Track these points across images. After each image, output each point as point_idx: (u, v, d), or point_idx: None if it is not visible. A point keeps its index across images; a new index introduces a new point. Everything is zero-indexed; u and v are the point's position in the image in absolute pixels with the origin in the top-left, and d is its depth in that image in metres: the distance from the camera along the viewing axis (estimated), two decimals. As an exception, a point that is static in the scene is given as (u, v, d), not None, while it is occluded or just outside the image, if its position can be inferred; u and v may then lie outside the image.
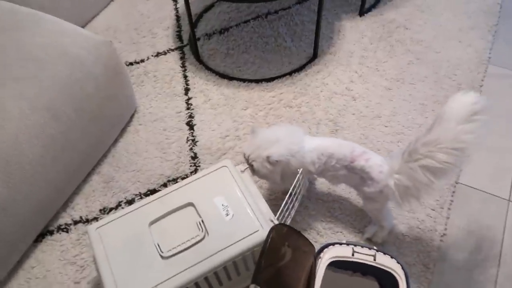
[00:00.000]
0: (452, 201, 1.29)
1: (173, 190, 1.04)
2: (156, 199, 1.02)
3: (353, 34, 1.80)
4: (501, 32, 1.78)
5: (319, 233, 1.24)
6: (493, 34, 1.76)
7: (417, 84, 1.60)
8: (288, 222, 1.10)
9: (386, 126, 1.48)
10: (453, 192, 1.31)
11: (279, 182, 1.13)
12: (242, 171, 1.09)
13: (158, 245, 0.94)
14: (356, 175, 1.08)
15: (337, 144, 1.10)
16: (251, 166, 1.10)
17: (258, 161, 1.07)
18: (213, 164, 1.11)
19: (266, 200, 1.28)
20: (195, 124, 1.52)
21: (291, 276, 0.93)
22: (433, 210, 1.27)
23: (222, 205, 0.99)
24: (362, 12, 1.86)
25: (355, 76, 1.64)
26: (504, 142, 1.44)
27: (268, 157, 1.04)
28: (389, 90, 1.59)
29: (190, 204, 1.00)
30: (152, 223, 0.98)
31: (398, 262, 0.95)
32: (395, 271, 0.93)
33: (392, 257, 0.96)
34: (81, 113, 1.26)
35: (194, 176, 1.06)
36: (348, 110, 1.54)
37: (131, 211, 1.01)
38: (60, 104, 1.19)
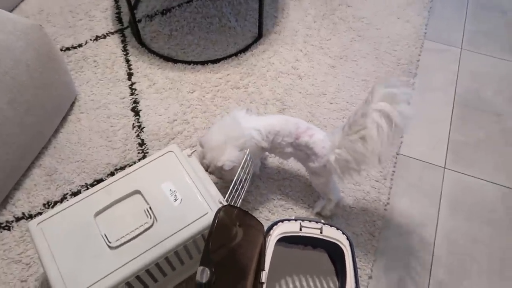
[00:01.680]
0: (394, 171, 1.36)
1: (118, 179, 1.01)
2: (101, 189, 0.99)
3: (297, 12, 1.81)
4: (435, 8, 1.86)
5: (271, 211, 1.26)
6: (429, 10, 1.84)
7: (359, 60, 1.65)
8: (239, 202, 1.11)
9: (331, 103, 1.52)
10: (395, 163, 1.38)
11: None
12: (189, 155, 1.08)
13: (105, 236, 0.92)
14: (302, 152, 1.11)
15: (283, 121, 1.12)
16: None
17: (216, 172, 1.10)
18: (159, 150, 1.09)
19: (216, 183, 1.28)
20: (140, 110, 1.48)
21: (244, 255, 0.94)
22: (377, 181, 1.33)
23: (170, 190, 0.98)
24: (305, -10, 1.87)
25: (300, 54, 1.66)
26: (440, 113, 1.52)
27: (221, 167, 1.06)
28: (333, 67, 1.63)
29: (137, 192, 0.98)
30: (97, 213, 0.95)
31: (343, 233, 1.00)
32: (340, 242, 0.98)
33: (338, 229, 1.00)
34: (15, 104, 1.18)
35: (140, 163, 1.03)
36: (294, 89, 1.56)
37: (74, 203, 0.97)
38: (-11, 95, 1.11)
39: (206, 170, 1.11)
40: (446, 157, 1.41)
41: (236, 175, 1.06)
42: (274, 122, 1.11)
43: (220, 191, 1.06)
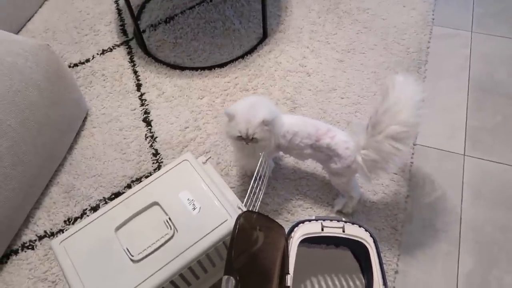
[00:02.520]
0: (412, 163, 1.33)
1: (136, 192, 1.01)
2: (120, 203, 0.99)
3: (300, 9, 1.79)
4: (441, -8, 1.83)
5: (290, 211, 1.25)
6: (434, -5, 1.80)
7: (367, 52, 1.63)
8: (258, 205, 1.10)
9: (342, 98, 1.50)
10: (412, 154, 1.36)
11: (241, 156, 1.15)
12: (204, 163, 1.07)
13: (128, 249, 0.91)
14: (322, 153, 1.09)
15: (302, 123, 1.10)
16: (252, 140, 1.05)
17: (257, 131, 1.02)
18: (174, 159, 1.08)
19: (233, 188, 1.28)
20: (152, 120, 1.48)
21: (267, 259, 0.93)
22: (396, 174, 1.31)
23: (188, 199, 0.98)
24: (307, -14, 1.85)
25: (307, 51, 1.65)
26: (455, 100, 1.49)
27: (263, 121, 1.01)
28: (342, 62, 1.61)
29: (155, 204, 0.98)
30: (118, 228, 0.95)
31: (366, 230, 0.98)
32: (364, 239, 0.96)
33: (360, 226, 0.99)
34: (28, 124, 1.20)
35: (155, 174, 1.03)
36: (304, 87, 1.54)
37: (95, 219, 0.97)
38: (3, 118, 1.12)
39: (241, 139, 1.05)
40: (464, 144, 1.38)
41: (254, 174, 1.05)
42: (293, 122, 1.10)
43: (237, 195, 1.05)
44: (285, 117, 1.12)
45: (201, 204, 0.97)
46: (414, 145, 1.38)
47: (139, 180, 1.34)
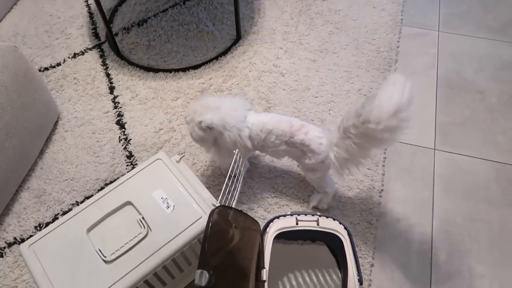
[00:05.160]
0: (385, 158, 1.36)
1: (108, 192, 0.99)
2: (91, 204, 0.97)
3: (273, 11, 1.81)
4: (409, -6, 1.89)
5: (266, 209, 1.25)
6: (403, -3, 1.86)
7: (339, 52, 1.65)
8: (233, 204, 1.10)
9: (316, 97, 1.52)
10: (385, 149, 1.38)
11: (213, 153, 1.15)
12: (178, 161, 1.07)
13: (100, 250, 0.90)
14: (297, 149, 1.10)
15: (275, 120, 1.11)
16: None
17: (191, 124, 1.07)
18: (147, 159, 1.07)
19: (209, 188, 1.28)
20: (125, 122, 1.46)
21: (243, 256, 0.93)
22: (369, 169, 1.33)
23: (162, 198, 0.97)
24: (279, -12, 1.88)
25: (280, 52, 1.66)
26: (424, 97, 1.53)
27: (200, 122, 1.04)
28: (315, 61, 1.63)
29: (128, 203, 0.97)
30: (90, 229, 0.93)
31: (340, 223, 0.99)
32: (338, 232, 0.97)
33: (334, 219, 1.00)
34: (-5, 127, 1.16)
35: (128, 174, 1.02)
36: (278, 86, 1.55)
37: (65, 221, 0.95)
38: (-32, 121, 1.09)
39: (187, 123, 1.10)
40: (435, 138, 1.41)
41: (229, 172, 1.05)
42: (266, 121, 1.10)
43: (213, 195, 1.05)
44: (259, 115, 1.13)
45: (175, 202, 0.96)
46: (386, 141, 1.41)
47: (112, 183, 1.32)
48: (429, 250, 1.18)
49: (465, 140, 1.40)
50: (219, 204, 0.97)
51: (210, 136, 1.09)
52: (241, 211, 0.97)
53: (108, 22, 1.58)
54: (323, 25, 1.75)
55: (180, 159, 1.07)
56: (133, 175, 1.02)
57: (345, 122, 0.99)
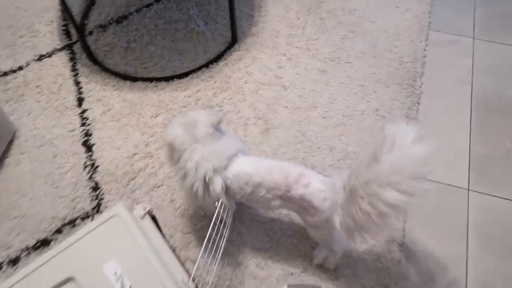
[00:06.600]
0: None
1: (46, 262, 0.75)
2: (20, 280, 0.73)
3: (277, 8, 1.53)
4: (438, -9, 1.60)
5: (259, 265, 1.01)
6: (431, -5, 1.57)
7: (354, 62, 1.39)
8: (219, 257, 0.87)
9: (324, 118, 1.26)
10: (407, 188, 1.12)
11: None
12: (142, 217, 0.82)
13: None
14: (295, 204, 0.86)
15: (265, 170, 0.86)
16: None
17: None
18: (100, 214, 0.83)
19: (189, 233, 1.04)
20: (93, 144, 1.22)
21: None
22: (388, 214, 1.07)
23: (115, 273, 0.72)
24: (285, -19, 1.59)
25: (283, 60, 1.40)
26: (455, 120, 1.26)
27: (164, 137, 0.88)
28: (324, 72, 1.36)
29: (70, 280, 0.73)
30: (15, 317, 0.70)
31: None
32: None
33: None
34: None
35: (74, 236, 0.77)
36: (279, 103, 1.29)
37: (-15, 303, 0.71)
38: None
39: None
40: (469, 176, 1.15)
41: (213, 220, 0.81)
42: (252, 171, 0.85)
43: (194, 243, 0.81)
44: (243, 163, 0.88)
45: (133, 281, 0.72)
46: (409, 177, 1.15)
47: (72, 222, 1.08)
48: (462, 327, 0.94)
49: (507, 179, 1.14)
50: (193, 286, 0.73)
51: (171, 154, 0.88)
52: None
53: (77, 22, 1.33)
54: (335, 28, 1.47)
55: (146, 214, 0.82)
56: (80, 238, 0.77)
57: (353, 180, 0.75)
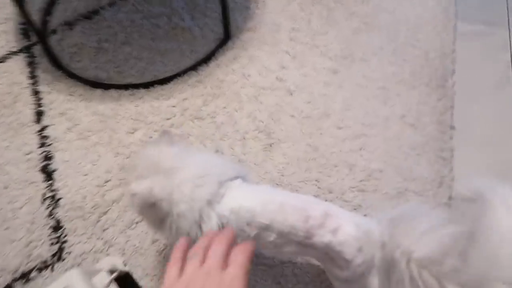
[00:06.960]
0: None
1: None
2: None
3: (276, -1, 1.31)
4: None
5: (268, 325, 0.78)
6: (454, -21, 1.35)
7: (371, 60, 1.16)
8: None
9: (340, 128, 1.03)
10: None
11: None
12: (107, 286, 0.58)
13: None
14: (317, 251, 0.63)
15: (275, 208, 0.63)
16: None
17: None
18: (49, 284, 0.59)
19: None
20: (55, 170, 0.98)
21: None
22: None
23: None
24: (284, -33, 1.36)
25: (286, 58, 1.17)
26: (498, 127, 1.05)
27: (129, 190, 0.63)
28: (336, 73, 1.14)
29: None
30: None
31: None
32: None
33: None
34: None
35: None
36: (284, 111, 1.07)
37: None
38: None
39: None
40: (522, 197, 0.93)
41: None
42: (256, 209, 0.62)
43: None
44: (239, 193, 0.65)
45: None
46: (450, 199, 0.93)
47: (26, 276, 0.84)
48: None
49: None
50: None
51: (155, 215, 0.64)
52: None
53: (36, 20, 1.08)
54: (346, 20, 1.25)
55: (114, 278, 0.59)
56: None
57: (389, 250, 0.54)
